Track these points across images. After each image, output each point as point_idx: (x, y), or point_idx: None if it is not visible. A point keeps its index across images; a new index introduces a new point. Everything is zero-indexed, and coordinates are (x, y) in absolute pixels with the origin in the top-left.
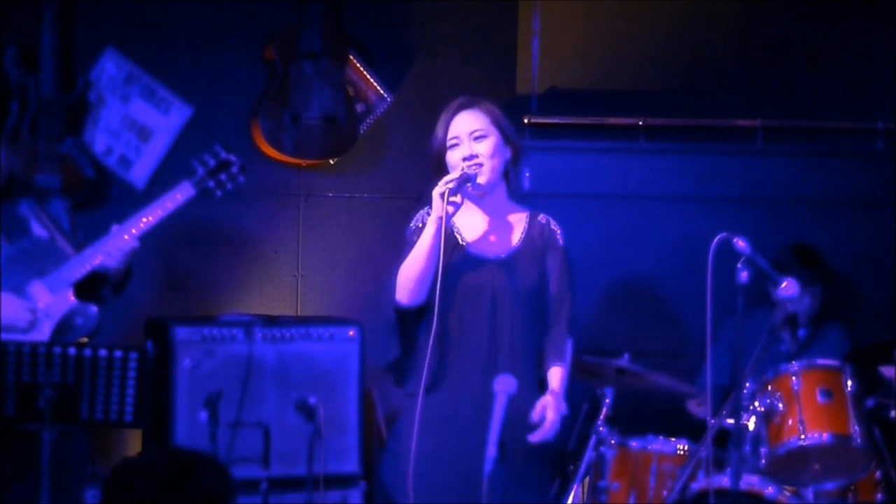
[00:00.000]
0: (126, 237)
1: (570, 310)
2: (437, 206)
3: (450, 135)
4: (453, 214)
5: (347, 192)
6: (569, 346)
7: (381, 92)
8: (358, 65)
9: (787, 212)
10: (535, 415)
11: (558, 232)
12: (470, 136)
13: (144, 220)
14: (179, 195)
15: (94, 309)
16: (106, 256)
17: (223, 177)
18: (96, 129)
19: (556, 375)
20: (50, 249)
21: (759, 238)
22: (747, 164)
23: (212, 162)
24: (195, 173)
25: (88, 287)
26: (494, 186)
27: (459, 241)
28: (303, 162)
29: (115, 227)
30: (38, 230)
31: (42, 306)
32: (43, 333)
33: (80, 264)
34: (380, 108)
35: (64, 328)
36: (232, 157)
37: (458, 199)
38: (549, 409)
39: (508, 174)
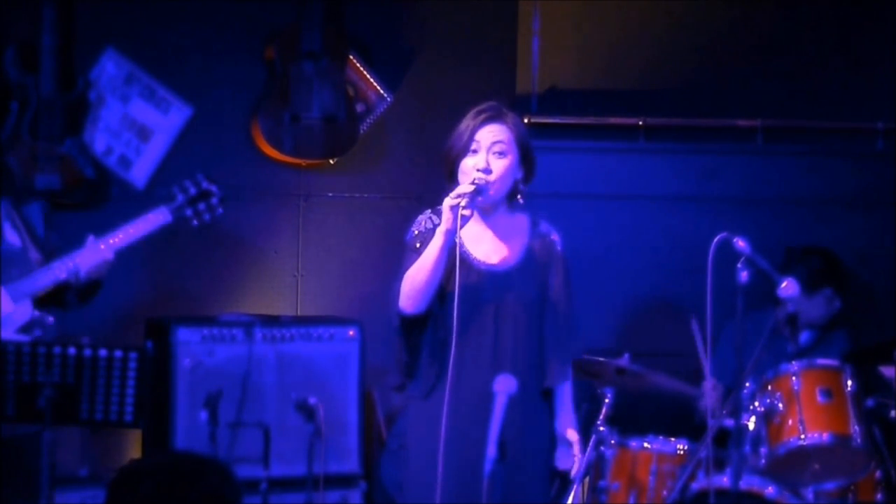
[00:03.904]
0: (102, 246)
1: (571, 333)
2: (447, 217)
3: (473, 140)
4: (462, 226)
5: (347, 192)
6: (568, 371)
7: (381, 92)
8: (358, 65)
9: (787, 212)
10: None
11: (558, 243)
12: (490, 149)
13: (114, 239)
14: (154, 219)
15: (50, 319)
16: (75, 268)
17: (201, 206)
18: (96, 129)
19: (567, 420)
20: (19, 258)
21: (759, 238)
22: (747, 164)
23: (192, 190)
24: (174, 199)
25: (52, 292)
26: (499, 202)
27: (464, 253)
28: (303, 162)
29: (90, 239)
30: (11, 236)
31: (2, 314)
32: None
33: (44, 276)
34: (380, 108)
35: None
36: (213, 188)
37: (468, 212)
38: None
39: (514, 193)
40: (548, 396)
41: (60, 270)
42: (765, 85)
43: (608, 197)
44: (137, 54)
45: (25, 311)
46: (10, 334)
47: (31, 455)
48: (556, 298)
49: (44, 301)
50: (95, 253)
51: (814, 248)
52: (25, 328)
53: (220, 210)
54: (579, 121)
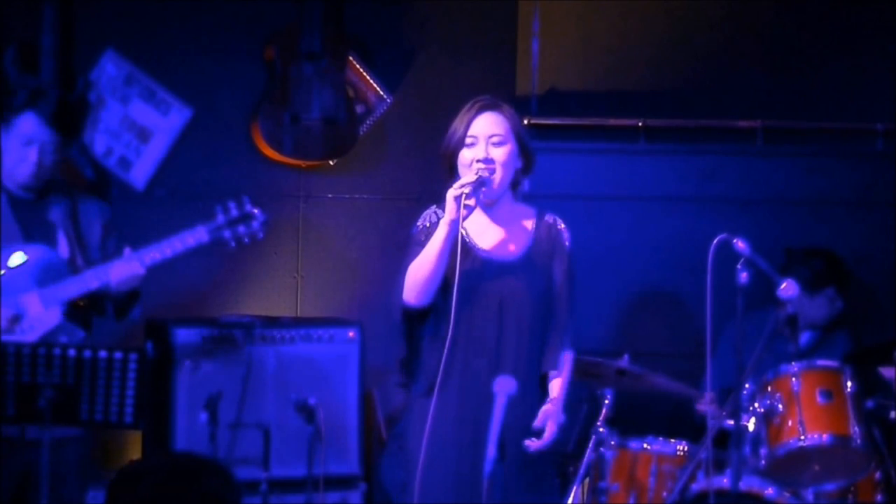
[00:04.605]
0: (137, 264)
1: (570, 323)
2: (451, 208)
3: (469, 133)
4: (466, 218)
5: (347, 193)
6: (569, 358)
7: (381, 93)
8: (358, 66)
9: (787, 212)
10: (537, 422)
11: (565, 232)
12: (488, 139)
13: (151, 255)
14: (191, 238)
15: (80, 333)
16: (107, 279)
17: (241, 229)
18: (96, 130)
19: (556, 384)
20: (65, 269)
21: (759, 238)
22: (747, 164)
23: (234, 212)
24: (213, 219)
25: (91, 300)
26: (502, 193)
27: (468, 243)
28: (303, 163)
29: (127, 251)
30: (62, 247)
31: (30, 316)
32: None
33: (77, 284)
34: (379, 108)
35: None
36: (256, 212)
37: (471, 202)
38: (550, 420)
39: (516, 183)
40: (547, 392)
41: (92, 280)
42: (765, 85)
43: (608, 198)
44: (137, 55)
45: (54, 318)
46: (33, 339)
47: (29, 458)
48: (560, 290)
49: (85, 308)
50: (129, 266)
51: (815, 248)
52: (50, 334)
53: (262, 235)
54: (579, 122)
